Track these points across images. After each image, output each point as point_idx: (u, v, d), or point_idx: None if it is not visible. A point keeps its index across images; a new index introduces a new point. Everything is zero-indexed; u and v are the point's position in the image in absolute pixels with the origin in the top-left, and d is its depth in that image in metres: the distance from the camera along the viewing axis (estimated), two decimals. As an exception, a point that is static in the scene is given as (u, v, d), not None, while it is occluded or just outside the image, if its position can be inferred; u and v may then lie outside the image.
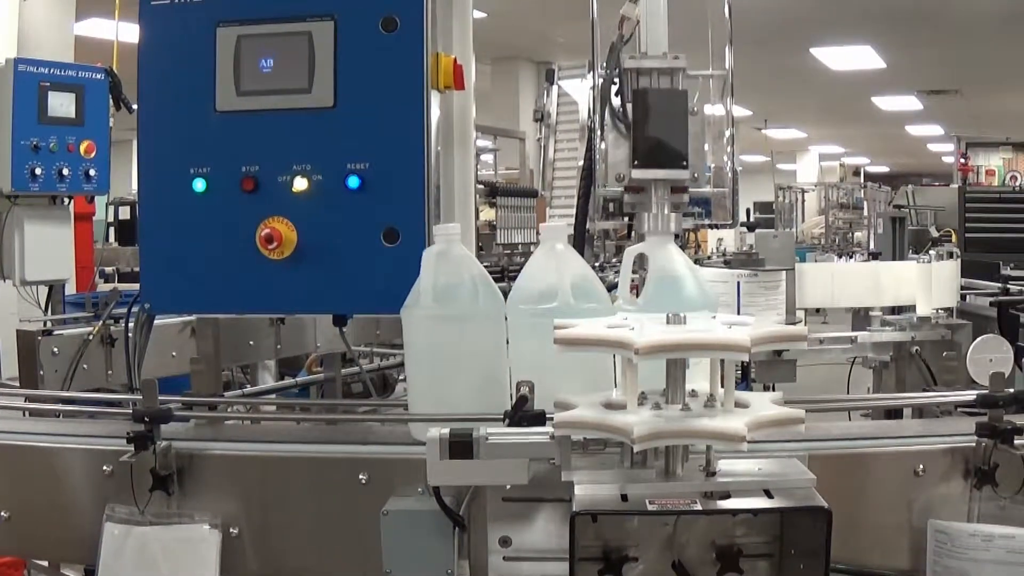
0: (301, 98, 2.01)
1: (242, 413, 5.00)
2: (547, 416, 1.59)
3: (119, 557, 1.86)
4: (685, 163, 1.85)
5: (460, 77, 2.08)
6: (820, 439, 1.84)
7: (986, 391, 1.83)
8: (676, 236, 1.91)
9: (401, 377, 7.42)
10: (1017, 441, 1.76)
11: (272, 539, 1.89)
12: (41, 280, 4.20)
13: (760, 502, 1.44)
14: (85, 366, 3.56)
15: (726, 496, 1.45)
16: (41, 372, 3.42)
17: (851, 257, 14.21)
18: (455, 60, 2.09)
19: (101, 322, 3.57)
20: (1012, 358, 2.13)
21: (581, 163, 8.16)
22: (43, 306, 4.34)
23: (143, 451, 1.84)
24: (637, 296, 1.85)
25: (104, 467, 1.92)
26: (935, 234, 7.16)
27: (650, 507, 1.40)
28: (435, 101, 2.05)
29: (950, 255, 4.05)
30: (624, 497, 1.44)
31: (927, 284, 3.84)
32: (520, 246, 8.11)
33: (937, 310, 3.87)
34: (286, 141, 2.03)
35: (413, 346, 1.88)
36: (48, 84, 3.97)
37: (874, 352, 3.89)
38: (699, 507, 1.41)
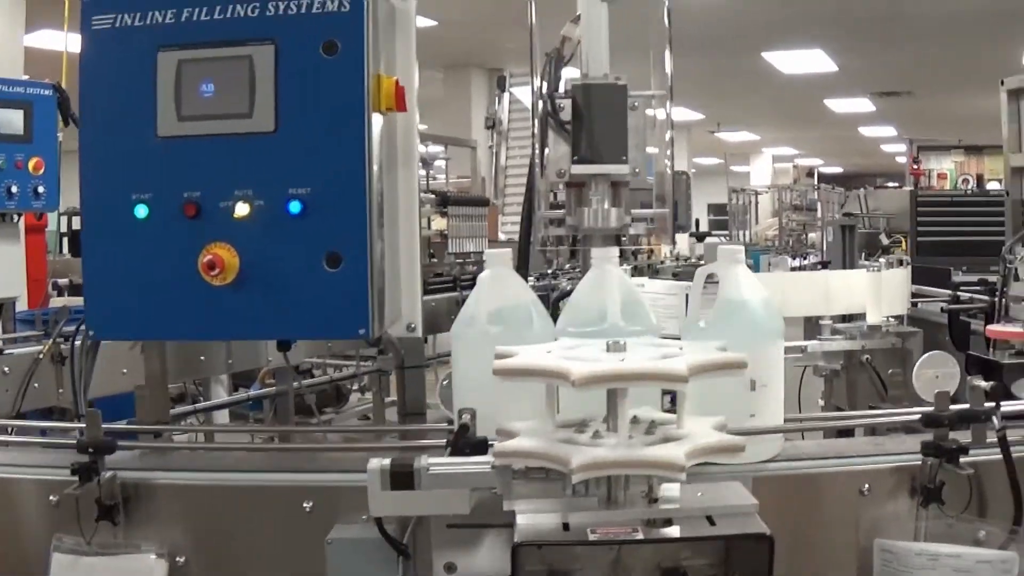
0: (242, 123, 1.99)
1: (192, 437, 4.98)
2: (489, 443, 1.59)
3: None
4: (625, 158, 1.85)
5: (402, 98, 2.07)
6: (765, 460, 1.84)
7: (931, 410, 1.85)
8: (619, 237, 1.90)
9: (354, 388, 7.43)
10: (964, 459, 1.78)
11: (219, 568, 1.88)
12: (-5, 297, 4.16)
13: (702, 529, 1.45)
14: (36, 384, 3.53)
15: (668, 523, 1.46)
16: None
17: (805, 258, 14.34)
18: (397, 81, 2.08)
19: (51, 341, 3.53)
20: (958, 374, 2.14)
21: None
22: (-5, 325, 4.29)
23: (88, 483, 1.83)
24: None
25: (51, 497, 1.90)
26: (885, 241, 7.24)
27: (591, 536, 1.41)
28: (377, 124, 2.04)
29: (900, 263, 4.10)
30: (566, 526, 1.45)
31: (877, 292, 3.88)
32: (472, 255, 8.10)
33: (888, 318, 3.92)
34: (227, 166, 2.01)
35: (465, 368, 1.87)
36: (-2, 102, 3.93)
37: (825, 361, 3.92)
38: (640, 536, 1.41)
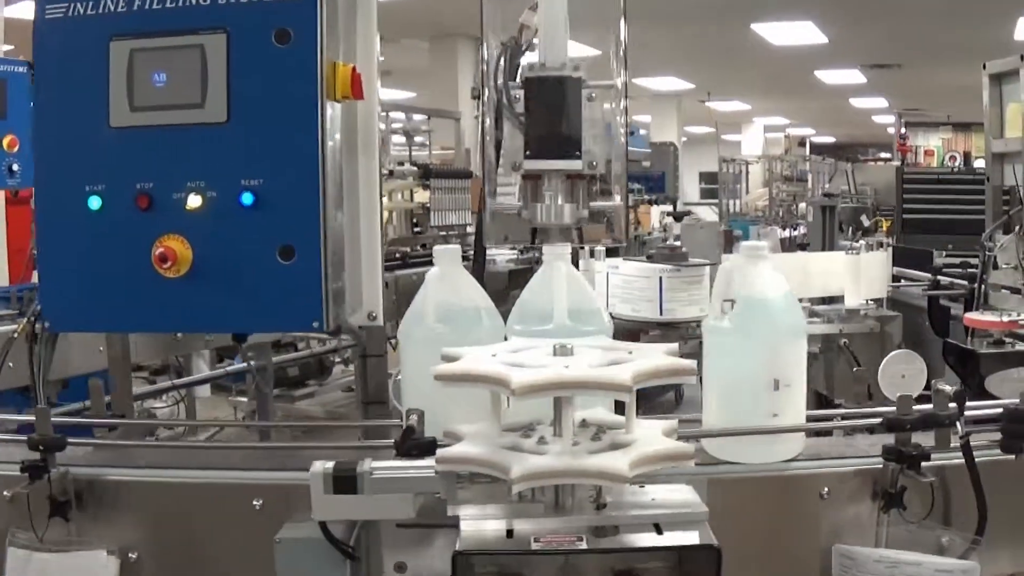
0: (194, 113, 1.96)
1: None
2: (439, 445, 1.57)
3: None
4: (579, 152, 1.81)
5: (359, 86, 2.03)
6: (722, 462, 1.83)
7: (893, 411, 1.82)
8: (577, 229, 1.86)
9: (337, 360, 7.40)
10: (928, 464, 1.76)
11: (172, 565, 1.87)
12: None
13: (649, 539, 1.43)
14: (11, 364, 3.50)
15: (616, 530, 1.44)
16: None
17: (795, 229, 14.30)
18: (354, 69, 2.04)
19: (26, 320, 3.50)
20: (925, 373, 2.11)
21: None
22: (-32, 307, 4.26)
23: (38, 480, 1.81)
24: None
25: (4, 492, 1.87)
26: (866, 223, 7.21)
27: (534, 545, 1.39)
28: (332, 113, 2.01)
29: (880, 245, 4.08)
30: (510, 533, 1.43)
31: (855, 275, 3.85)
32: (456, 227, 8.07)
33: (868, 301, 3.90)
34: (180, 157, 1.97)
35: (413, 367, 1.85)
36: (-34, 83, 3.88)
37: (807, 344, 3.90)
38: (585, 545, 1.39)
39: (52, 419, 1.92)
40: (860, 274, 3.86)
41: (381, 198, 2.30)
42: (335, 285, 2.02)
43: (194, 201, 1.97)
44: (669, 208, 18.95)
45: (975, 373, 3.14)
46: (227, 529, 1.83)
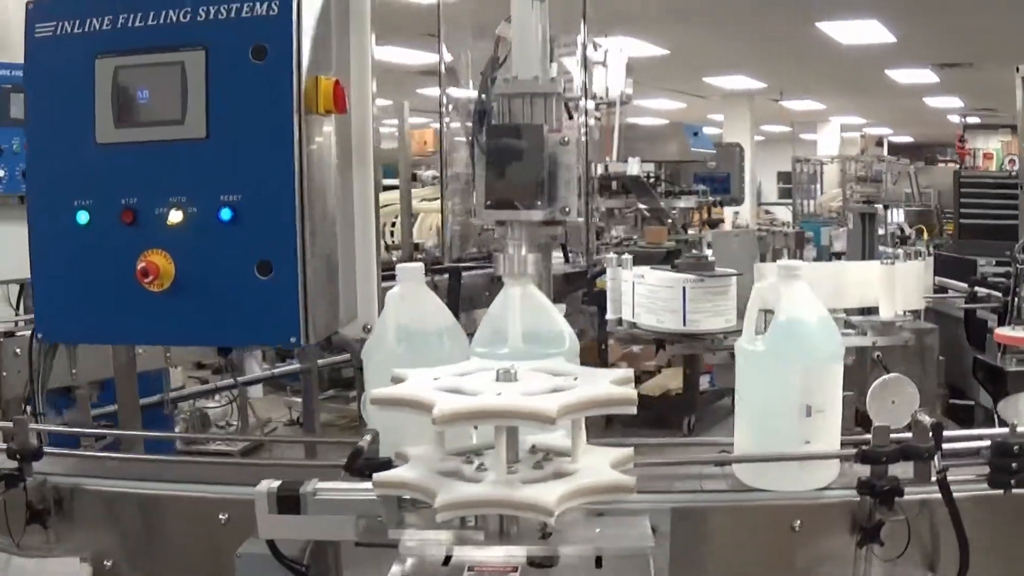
0: (175, 129, 1.98)
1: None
2: (393, 466, 1.56)
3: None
4: (539, 203, 1.79)
5: (341, 100, 2.03)
6: (687, 491, 1.78)
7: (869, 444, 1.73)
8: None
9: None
10: (907, 498, 1.68)
11: (142, 573, 1.89)
12: (12, 279, 4.23)
13: (587, 572, 1.40)
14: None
15: (554, 561, 1.42)
16: (4, 374, 3.42)
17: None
18: (336, 83, 2.04)
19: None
20: (917, 400, 1.98)
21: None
22: (15, 305, 4.38)
23: (13, 488, 1.85)
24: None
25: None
26: (908, 231, 6.99)
27: (467, 574, 1.37)
28: (315, 127, 2.01)
29: (918, 254, 3.96)
30: (447, 560, 1.42)
31: (891, 286, 3.73)
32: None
33: (905, 313, 3.78)
34: (162, 173, 2.00)
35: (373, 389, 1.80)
36: (10, 86, 3.96)
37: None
38: None
39: (52, 427, 1.96)
40: (896, 284, 3.75)
41: (378, 209, 2.31)
42: (321, 299, 2.03)
43: (175, 216, 1.99)
44: (744, 208, 18.74)
45: (1004, 392, 3.03)
46: (195, 541, 1.85)
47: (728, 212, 16.71)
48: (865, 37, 12.64)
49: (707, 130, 21.37)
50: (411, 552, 1.43)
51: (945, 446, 1.74)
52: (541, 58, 1.88)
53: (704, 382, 7.29)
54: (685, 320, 3.46)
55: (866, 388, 3.69)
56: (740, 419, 1.84)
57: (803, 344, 1.77)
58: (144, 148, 2.01)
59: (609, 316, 3.95)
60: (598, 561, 1.42)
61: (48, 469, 1.95)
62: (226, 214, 1.97)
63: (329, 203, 2.09)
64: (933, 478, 1.69)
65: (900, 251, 3.93)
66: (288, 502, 1.52)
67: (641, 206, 10.92)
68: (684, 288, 3.45)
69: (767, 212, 22.21)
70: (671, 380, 7.29)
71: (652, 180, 10.73)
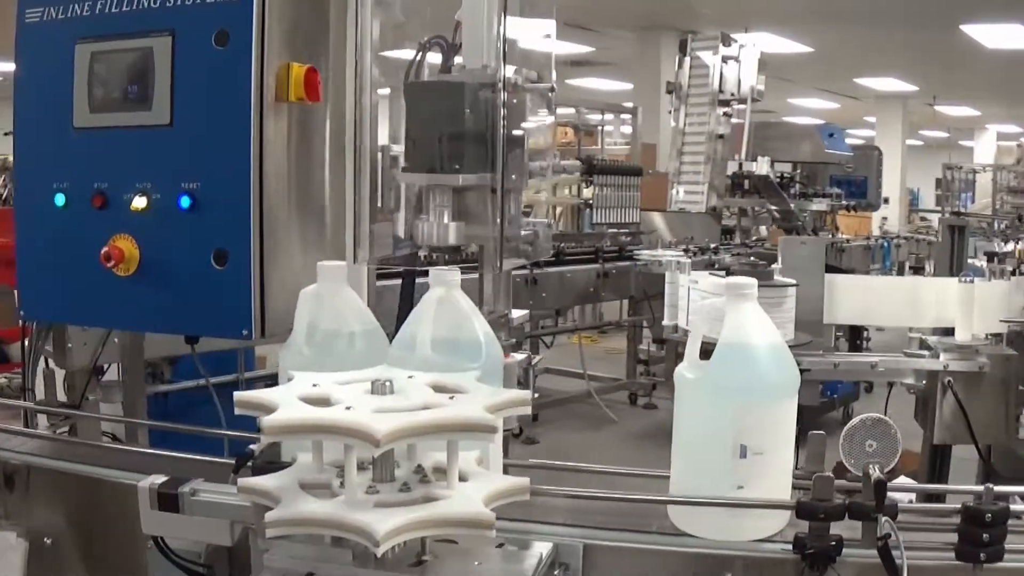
0: (142, 115, 1.98)
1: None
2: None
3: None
4: (458, 167, 1.68)
5: (313, 88, 1.99)
6: (607, 528, 1.63)
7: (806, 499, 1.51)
8: (459, 249, 1.73)
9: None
10: (848, 558, 1.47)
11: (77, 554, 1.92)
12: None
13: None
14: (115, 340, 3.69)
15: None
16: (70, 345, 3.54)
17: (1017, 243, 13.22)
18: (310, 69, 1.98)
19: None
20: (899, 447, 1.68)
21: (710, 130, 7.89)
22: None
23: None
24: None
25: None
26: (1005, 247, 6.49)
27: (315, 594, 1.31)
28: (284, 115, 1.97)
29: (1002, 273, 3.69)
30: (307, 576, 1.36)
31: (968, 306, 3.48)
32: (625, 225, 7.95)
33: (986, 335, 3.52)
34: (130, 159, 2.01)
35: None
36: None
37: (914, 379, 3.55)
38: None
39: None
40: (974, 305, 3.50)
41: (374, 202, 2.25)
42: (282, 292, 1.99)
43: (139, 202, 1.99)
44: (891, 213, 18.04)
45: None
46: (116, 528, 1.84)
47: (876, 217, 16.10)
48: (1012, 42, 11.95)
49: (861, 132, 20.65)
50: (273, 564, 1.38)
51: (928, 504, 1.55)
52: (493, 48, 1.78)
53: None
54: (732, 331, 3.29)
55: (934, 416, 3.48)
56: (674, 455, 1.66)
57: (743, 375, 1.57)
58: (114, 133, 2.02)
59: (665, 322, 3.83)
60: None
61: (4, 445, 1.98)
62: (185, 201, 1.95)
63: (304, 194, 2.06)
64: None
65: (986, 267, 3.68)
66: (167, 500, 1.49)
67: (771, 207, 10.65)
68: (732, 297, 3.28)
69: (923, 219, 21.31)
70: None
71: (786, 180, 10.44)
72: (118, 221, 2.01)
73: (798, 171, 10.68)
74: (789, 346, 3.26)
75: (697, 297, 3.50)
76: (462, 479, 1.38)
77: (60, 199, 2.07)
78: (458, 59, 1.86)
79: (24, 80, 2.14)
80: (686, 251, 6.75)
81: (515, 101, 1.79)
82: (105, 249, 1.98)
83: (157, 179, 1.98)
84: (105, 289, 2.04)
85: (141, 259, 2.00)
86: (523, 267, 6.85)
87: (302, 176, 2.06)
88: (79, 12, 2.04)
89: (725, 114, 10.10)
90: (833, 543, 1.45)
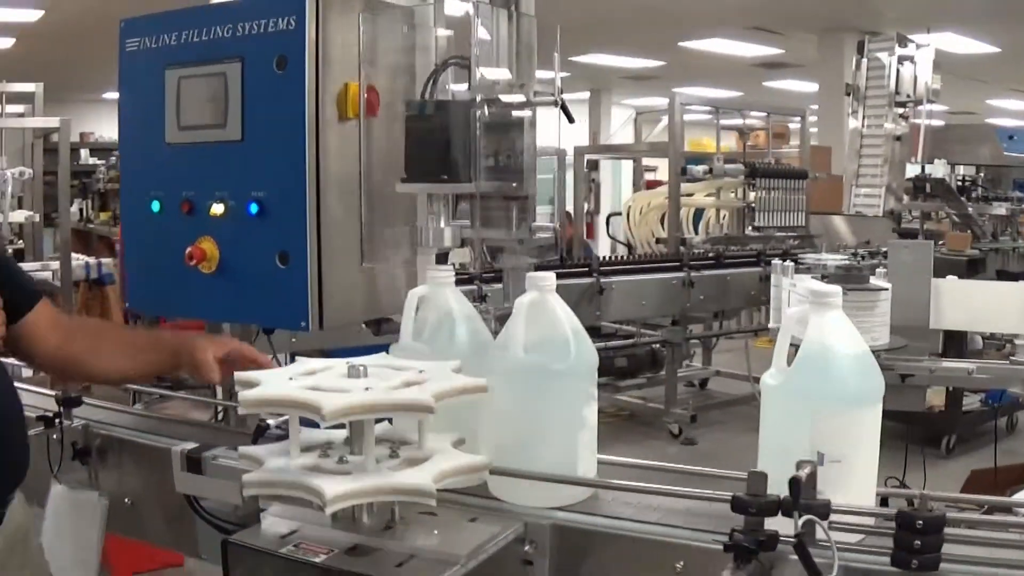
0: (219, 132, 2.25)
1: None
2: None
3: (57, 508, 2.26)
4: (445, 176, 1.85)
5: (371, 104, 2.19)
6: (572, 511, 1.71)
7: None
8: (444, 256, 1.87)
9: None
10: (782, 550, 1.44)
11: (152, 513, 2.19)
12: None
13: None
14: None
15: (370, 553, 1.49)
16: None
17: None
18: (371, 88, 2.20)
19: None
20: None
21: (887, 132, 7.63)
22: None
23: (50, 427, 2.22)
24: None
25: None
26: None
27: (286, 549, 1.48)
28: (344, 131, 2.19)
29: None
30: (289, 535, 1.54)
31: (1027, 313, 3.37)
32: (790, 229, 7.89)
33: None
34: (211, 170, 2.28)
35: (495, 397, 1.73)
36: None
37: (1020, 388, 3.48)
38: (320, 561, 1.45)
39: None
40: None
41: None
42: (338, 290, 2.21)
43: (218, 208, 2.26)
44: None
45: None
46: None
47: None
48: None
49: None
50: (266, 520, 1.59)
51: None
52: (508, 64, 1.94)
53: (976, 400, 6.88)
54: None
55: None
56: (759, 460, 1.67)
57: (820, 382, 1.57)
58: (198, 148, 2.30)
59: (771, 325, 3.87)
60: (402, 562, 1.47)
61: (91, 416, 2.31)
62: (254, 208, 2.21)
63: (368, 202, 2.26)
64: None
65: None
66: (194, 463, 1.74)
67: (949, 211, 10.26)
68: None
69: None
70: (935, 396, 6.89)
71: (968, 184, 10.04)
72: (202, 225, 2.29)
73: (981, 174, 10.26)
74: (881, 350, 3.30)
75: (796, 301, 3.53)
76: (429, 457, 1.56)
77: (156, 206, 2.38)
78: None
79: (127, 101, 2.46)
80: (854, 255, 6.63)
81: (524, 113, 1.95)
82: (189, 249, 2.27)
83: (232, 188, 2.25)
84: (195, 284, 2.32)
85: (220, 259, 2.27)
86: (679, 270, 6.92)
87: (367, 185, 2.26)
88: (168, 41, 2.33)
89: (901, 115, 9.82)
90: (763, 539, 1.43)
